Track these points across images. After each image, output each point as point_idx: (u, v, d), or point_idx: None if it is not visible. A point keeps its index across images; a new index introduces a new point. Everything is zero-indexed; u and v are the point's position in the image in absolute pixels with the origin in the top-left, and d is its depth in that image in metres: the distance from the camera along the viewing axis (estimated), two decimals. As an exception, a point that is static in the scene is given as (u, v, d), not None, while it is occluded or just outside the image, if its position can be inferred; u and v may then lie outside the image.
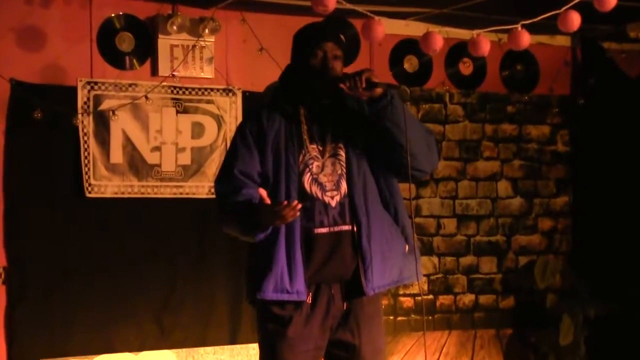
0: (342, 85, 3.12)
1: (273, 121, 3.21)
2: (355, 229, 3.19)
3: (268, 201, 3.04)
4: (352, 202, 3.19)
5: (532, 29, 4.46)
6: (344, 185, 3.20)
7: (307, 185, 3.18)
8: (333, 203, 3.19)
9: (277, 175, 3.18)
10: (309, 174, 3.19)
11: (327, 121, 3.24)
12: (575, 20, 4.35)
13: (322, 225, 3.17)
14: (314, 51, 3.19)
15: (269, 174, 3.19)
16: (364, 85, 3.10)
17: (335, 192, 3.19)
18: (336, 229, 3.18)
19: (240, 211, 3.12)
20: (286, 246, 3.15)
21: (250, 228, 3.10)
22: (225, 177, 3.21)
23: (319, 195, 3.18)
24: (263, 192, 3.05)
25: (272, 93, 3.34)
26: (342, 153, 3.23)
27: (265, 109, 3.26)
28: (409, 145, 3.15)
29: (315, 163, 3.20)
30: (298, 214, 2.99)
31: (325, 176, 3.20)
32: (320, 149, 3.22)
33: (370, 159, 3.25)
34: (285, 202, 2.97)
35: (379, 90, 3.12)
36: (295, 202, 2.98)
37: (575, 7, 4.31)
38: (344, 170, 3.21)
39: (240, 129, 3.30)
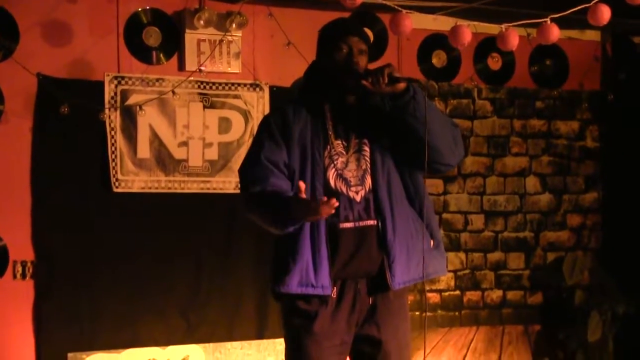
0: (364, 82, 3.11)
1: (299, 117, 3.20)
2: (380, 224, 3.18)
3: (304, 196, 3.02)
4: (377, 197, 3.18)
5: (561, 24, 4.42)
6: (368, 181, 3.20)
7: (332, 181, 3.18)
8: (358, 198, 3.18)
9: (303, 170, 3.17)
10: (333, 169, 3.19)
11: (352, 117, 3.23)
12: (605, 13, 4.29)
13: (347, 220, 3.17)
14: (339, 45, 3.18)
15: (295, 168, 3.18)
16: (386, 80, 3.09)
17: (360, 187, 3.19)
18: (361, 223, 3.18)
19: (272, 203, 3.10)
20: (311, 240, 3.14)
21: (281, 221, 3.09)
22: (252, 164, 3.19)
23: (344, 190, 3.18)
24: (302, 185, 3.03)
25: (299, 88, 3.34)
26: (367, 149, 3.22)
27: (291, 104, 3.26)
28: (434, 139, 3.13)
29: (340, 159, 3.20)
30: (333, 211, 2.97)
31: (349, 171, 3.19)
32: (345, 144, 3.22)
33: (394, 154, 3.24)
34: (325, 199, 2.95)
35: (401, 86, 3.11)
36: (334, 200, 2.95)
37: (606, 1, 4.26)
38: (369, 165, 3.21)
39: (264, 122, 3.30)
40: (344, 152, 3.21)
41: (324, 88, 3.23)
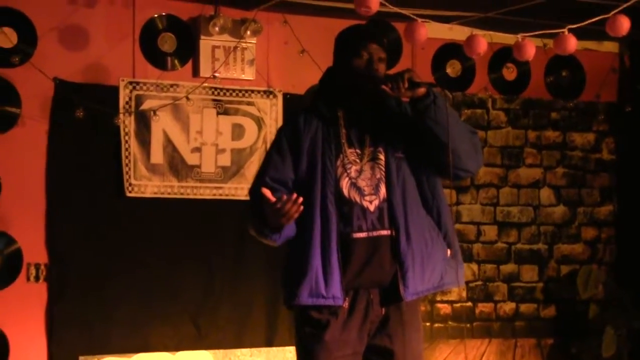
0: (384, 87, 3.09)
1: (310, 125, 3.18)
2: (394, 234, 3.15)
3: (272, 199, 3.00)
4: (391, 207, 3.15)
5: (578, 35, 4.39)
6: (383, 190, 3.16)
7: (345, 190, 3.15)
8: (372, 208, 3.15)
9: (312, 180, 3.15)
10: (347, 178, 3.16)
11: (367, 124, 3.20)
12: (624, 25, 4.27)
13: (360, 230, 3.13)
14: (359, 52, 3.15)
15: (304, 178, 3.16)
16: (406, 85, 3.07)
17: (374, 197, 3.16)
18: (375, 233, 3.14)
19: (254, 214, 3.12)
20: (321, 251, 3.12)
21: (260, 230, 3.11)
22: (257, 184, 3.19)
23: (357, 199, 3.15)
24: (267, 192, 3.02)
25: (311, 96, 3.32)
26: (382, 157, 3.19)
27: (302, 112, 3.24)
28: (454, 144, 3.10)
29: (354, 167, 3.17)
30: (302, 208, 2.97)
31: (363, 180, 3.16)
32: (359, 152, 3.18)
33: (412, 161, 3.21)
34: (285, 197, 2.96)
35: (421, 90, 3.09)
36: (295, 195, 2.96)
37: (624, 12, 4.23)
38: (383, 174, 3.17)
39: (276, 134, 3.31)
40: (358, 161, 3.18)
41: (340, 95, 3.21)
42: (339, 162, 3.16)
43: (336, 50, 3.26)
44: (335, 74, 3.25)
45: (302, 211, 3.01)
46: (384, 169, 3.17)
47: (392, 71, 3.17)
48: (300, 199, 2.97)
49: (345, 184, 3.15)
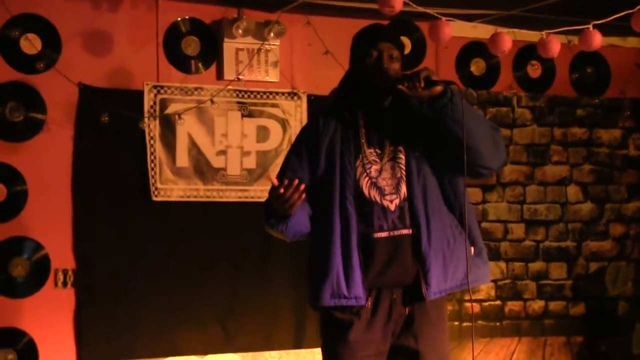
0: (400, 86, 3.09)
1: (328, 126, 3.19)
2: (415, 232, 3.15)
3: (276, 183, 3.03)
4: (412, 206, 3.15)
5: (602, 31, 4.36)
6: (403, 189, 3.16)
7: (365, 189, 3.15)
8: (392, 207, 3.14)
9: (331, 181, 3.15)
10: (367, 178, 3.16)
11: (387, 124, 3.21)
12: (649, 19, 4.24)
13: (381, 230, 3.13)
14: (369, 51, 3.17)
15: (323, 178, 3.17)
16: (422, 84, 3.06)
17: (394, 196, 3.15)
18: (396, 233, 3.14)
19: (266, 207, 3.15)
20: (342, 251, 3.12)
21: (267, 219, 3.14)
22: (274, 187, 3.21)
23: (378, 199, 3.14)
24: (272, 177, 3.07)
25: (334, 97, 3.33)
26: (402, 156, 3.18)
27: (322, 114, 3.26)
28: (474, 141, 3.09)
29: (374, 167, 3.17)
30: (304, 196, 3.00)
31: (384, 180, 3.16)
32: (379, 152, 3.18)
33: (433, 159, 3.20)
34: (287, 181, 2.99)
35: (438, 89, 3.08)
36: (296, 181, 2.98)
37: (651, 6, 4.20)
38: (404, 173, 3.17)
39: (298, 134, 3.33)
40: (378, 160, 3.18)
41: (357, 95, 3.22)
42: (358, 162, 3.17)
43: (351, 51, 3.28)
44: (351, 75, 3.27)
45: (303, 197, 3.03)
46: (404, 168, 3.17)
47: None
48: (303, 186, 2.99)
49: (365, 183, 3.15)
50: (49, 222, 4.84)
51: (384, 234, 3.13)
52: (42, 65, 4.80)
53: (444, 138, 3.13)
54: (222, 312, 5.08)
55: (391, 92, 3.15)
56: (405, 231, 3.14)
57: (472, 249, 3.26)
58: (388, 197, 3.15)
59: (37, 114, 4.82)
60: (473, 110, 3.23)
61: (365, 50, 3.18)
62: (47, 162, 4.86)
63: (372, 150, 3.18)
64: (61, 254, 4.85)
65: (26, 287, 4.79)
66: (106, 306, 4.88)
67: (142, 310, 4.93)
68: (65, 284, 4.86)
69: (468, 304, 5.54)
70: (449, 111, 3.08)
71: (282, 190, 3.00)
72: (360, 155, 3.17)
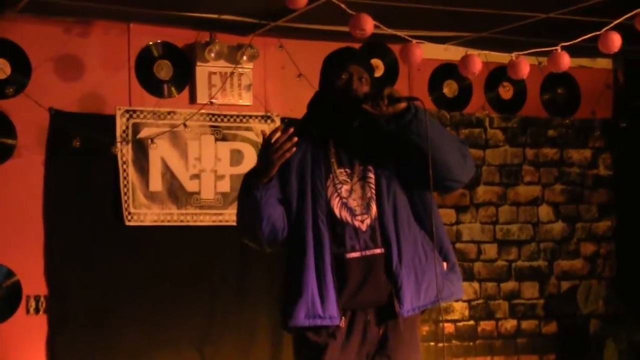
0: (365, 106, 3.10)
1: (298, 147, 3.18)
2: (386, 251, 3.14)
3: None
4: (382, 225, 3.15)
5: (572, 52, 4.40)
6: (374, 208, 3.16)
7: (336, 210, 3.15)
8: (363, 227, 3.14)
9: (303, 201, 3.15)
10: (337, 198, 3.16)
11: (356, 144, 3.21)
12: (615, 41, 4.27)
13: (353, 250, 3.13)
14: (339, 73, 3.18)
15: (292, 200, 3.16)
16: (386, 102, 3.08)
17: (365, 216, 3.15)
18: (368, 253, 3.13)
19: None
20: (316, 271, 3.11)
21: (245, 188, 3.09)
22: None
23: (349, 219, 3.14)
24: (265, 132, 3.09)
25: (303, 118, 3.34)
26: (372, 175, 3.19)
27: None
28: (441, 155, 3.10)
29: (344, 187, 3.17)
30: (295, 139, 2.98)
31: (354, 200, 3.16)
32: (349, 171, 3.19)
33: (402, 176, 3.20)
34: (281, 127, 3.01)
35: (402, 105, 3.09)
36: (291, 129, 2.99)
37: (616, 29, 4.25)
38: (374, 193, 3.17)
39: None
40: (348, 180, 3.18)
41: (327, 116, 3.22)
42: (329, 182, 3.17)
43: (321, 73, 3.29)
44: (320, 97, 3.28)
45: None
46: (374, 187, 3.17)
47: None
48: (295, 138, 2.98)
49: (336, 204, 3.15)
50: (20, 248, 4.80)
51: (356, 254, 3.13)
52: (11, 90, 4.77)
53: (412, 154, 3.14)
54: (198, 335, 5.06)
55: (359, 113, 3.15)
56: (377, 251, 3.14)
57: (445, 264, 3.27)
58: (359, 218, 3.15)
59: (7, 139, 4.80)
60: (438, 124, 3.24)
61: (336, 72, 3.18)
62: (18, 188, 4.82)
63: (342, 170, 3.18)
64: (33, 280, 4.80)
65: (-3, 314, 4.75)
66: (80, 333, 4.84)
67: (116, 336, 4.88)
68: (37, 310, 4.82)
69: (446, 324, 5.56)
70: (414, 127, 3.09)
71: (278, 134, 2.98)
72: (331, 175, 3.17)
